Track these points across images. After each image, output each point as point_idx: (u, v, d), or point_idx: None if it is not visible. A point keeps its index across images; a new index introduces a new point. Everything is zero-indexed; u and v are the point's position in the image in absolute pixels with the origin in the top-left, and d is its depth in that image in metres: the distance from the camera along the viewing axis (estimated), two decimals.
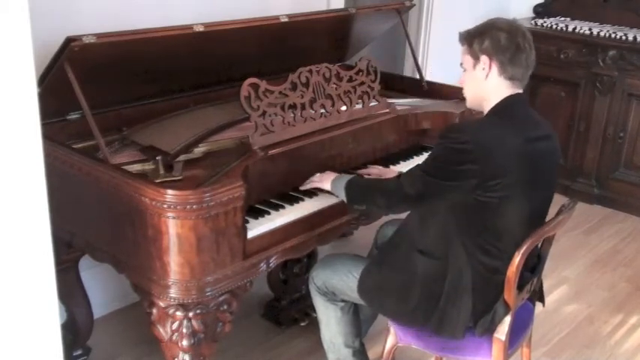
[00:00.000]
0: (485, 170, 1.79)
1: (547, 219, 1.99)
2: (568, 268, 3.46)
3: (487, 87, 1.93)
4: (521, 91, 1.95)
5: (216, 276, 1.81)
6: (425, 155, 2.59)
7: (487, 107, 1.95)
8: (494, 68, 1.90)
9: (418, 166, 1.93)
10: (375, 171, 2.35)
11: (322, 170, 2.23)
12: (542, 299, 2.19)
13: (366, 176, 2.25)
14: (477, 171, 1.79)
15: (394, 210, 2.08)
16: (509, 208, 1.85)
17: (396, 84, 2.98)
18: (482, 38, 1.91)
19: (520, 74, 1.91)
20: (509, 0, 4.72)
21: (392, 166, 2.46)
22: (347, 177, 2.08)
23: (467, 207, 1.86)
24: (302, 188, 2.18)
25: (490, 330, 1.93)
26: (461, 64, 1.99)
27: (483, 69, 1.91)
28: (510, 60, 1.88)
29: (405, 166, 2.49)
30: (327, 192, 2.14)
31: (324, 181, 2.13)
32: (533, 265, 2.05)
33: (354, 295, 2.10)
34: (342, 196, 2.05)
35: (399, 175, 1.99)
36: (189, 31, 2.07)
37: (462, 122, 1.91)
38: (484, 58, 1.91)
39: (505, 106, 1.91)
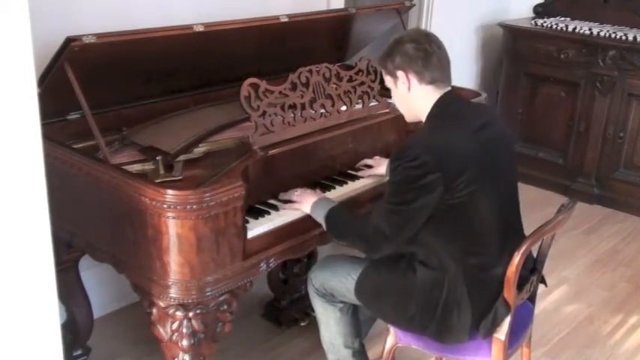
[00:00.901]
0: (446, 174, 1.81)
1: (547, 219, 1.99)
2: (568, 268, 3.46)
3: (414, 98, 1.97)
4: (449, 88, 1.98)
5: (216, 276, 1.81)
6: None
7: (424, 115, 1.98)
8: (413, 79, 1.94)
9: (384, 200, 1.92)
10: (371, 161, 2.37)
11: (321, 170, 2.23)
12: (543, 281, 2.20)
13: (343, 209, 2.09)
14: (439, 178, 1.81)
15: (376, 254, 2.02)
16: (479, 201, 1.87)
17: None
18: (392, 57, 1.96)
19: (439, 75, 1.94)
20: (509, 0, 4.72)
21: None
22: (328, 203, 2.03)
23: (440, 215, 1.87)
24: (280, 207, 2.08)
25: (492, 330, 1.93)
26: (387, 87, 2.04)
27: (403, 83, 1.96)
28: (424, 66, 1.92)
29: None
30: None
31: (304, 202, 2.06)
32: (528, 263, 2.05)
33: (352, 297, 2.10)
34: (323, 226, 2.03)
35: (368, 217, 1.93)
36: (189, 31, 2.07)
37: (408, 139, 1.93)
38: (400, 74, 1.96)
39: (440, 108, 1.94)
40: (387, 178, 1.99)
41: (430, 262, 1.94)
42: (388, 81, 2.02)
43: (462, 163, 1.83)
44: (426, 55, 1.92)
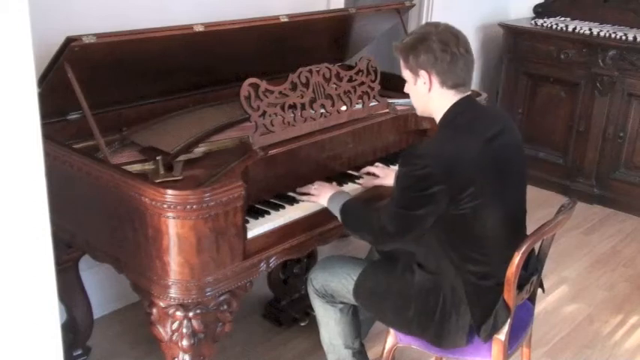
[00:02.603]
0: (452, 187, 1.80)
1: (547, 219, 1.99)
2: (568, 268, 3.46)
3: (432, 99, 1.93)
4: (468, 93, 1.94)
5: (216, 276, 1.81)
6: None
7: (437, 116, 1.95)
8: (435, 81, 1.89)
9: (392, 201, 1.92)
10: (377, 171, 2.33)
11: (321, 170, 2.23)
12: (541, 286, 2.19)
13: (358, 201, 2.15)
14: (444, 190, 1.80)
15: (382, 247, 2.10)
16: (485, 213, 1.85)
17: (396, 84, 2.97)
18: (416, 53, 1.88)
19: (462, 80, 1.90)
20: (509, 0, 4.72)
21: (392, 166, 2.45)
22: (344, 197, 2.06)
23: (444, 223, 1.87)
24: (299, 198, 2.14)
25: (494, 332, 1.92)
26: (403, 76, 1.99)
27: (424, 83, 1.90)
28: (449, 69, 1.87)
29: None
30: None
31: (322, 195, 2.10)
32: (527, 263, 2.05)
33: (352, 298, 2.10)
34: (338, 218, 2.06)
35: (379, 212, 1.94)
36: (189, 31, 2.07)
37: (419, 146, 1.90)
38: (422, 73, 1.90)
39: (454, 116, 1.90)
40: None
41: (428, 265, 1.95)
42: (407, 75, 1.95)
43: (469, 177, 1.81)
44: (453, 59, 1.86)
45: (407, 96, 2.84)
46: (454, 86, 1.89)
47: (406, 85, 2.00)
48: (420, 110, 2.03)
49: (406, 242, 1.98)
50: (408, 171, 1.84)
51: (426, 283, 1.94)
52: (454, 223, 1.86)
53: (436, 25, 1.93)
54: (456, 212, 1.83)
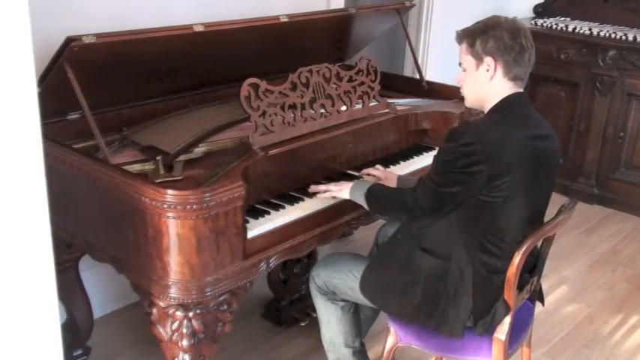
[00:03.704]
0: (492, 170, 1.79)
1: (547, 219, 1.99)
2: (568, 268, 3.46)
3: (491, 88, 1.91)
4: (522, 89, 1.94)
5: (216, 276, 1.81)
6: (425, 155, 2.59)
7: (488, 107, 1.94)
8: (499, 69, 1.88)
9: (429, 176, 1.91)
10: (377, 173, 2.32)
11: (321, 170, 2.23)
12: (541, 299, 2.19)
13: (383, 184, 2.18)
14: (484, 172, 1.79)
15: (417, 225, 2.00)
16: (513, 207, 1.85)
17: (396, 84, 2.98)
18: (485, 38, 1.87)
19: (523, 73, 1.90)
20: (509, 0, 4.72)
21: (392, 167, 2.45)
22: (365, 185, 2.06)
23: (470, 207, 1.86)
24: (319, 195, 2.12)
25: (490, 330, 1.93)
26: (460, 63, 1.96)
27: (487, 70, 1.89)
28: (515, 60, 1.86)
29: (405, 167, 2.49)
30: None
31: (342, 189, 2.09)
32: (533, 266, 2.05)
33: (354, 295, 2.11)
34: (364, 205, 2.05)
35: (414, 187, 1.94)
36: (189, 31, 2.07)
37: (465, 124, 1.87)
38: (488, 60, 1.88)
39: (508, 104, 1.90)
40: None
41: (438, 250, 1.93)
42: (467, 61, 1.92)
43: (508, 165, 1.81)
44: (522, 50, 1.86)
45: (407, 96, 2.88)
46: (514, 78, 1.89)
47: (462, 74, 1.97)
48: (472, 99, 1.99)
49: (425, 223, 1.96)
50: (453, 146, 1.83)
51: (435, 267, 1.93)
52: (482, 210, 1.85)
53: (504, 17, 1.93)
54: (486, 199, 1.82)
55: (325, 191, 2.13)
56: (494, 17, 1.93)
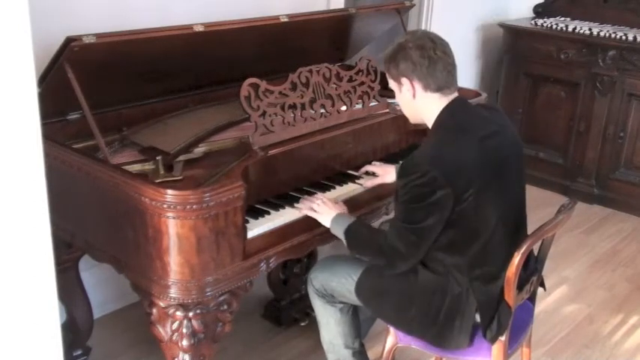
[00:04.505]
0: (455, 189, 1.78)
1: (547, 219, 1.99)
2: (568, 268, 3.46)
3: (419, 105, 1.94)
4: (455, 94, 1.94)
5: (216, 276, 1.81)
6: None
7: (430, 121, 1.95)
8: (418, 87, 1.91)
9: (396, 218, 1.90)
10: (375, 169, 2.33)
11: (321, 170, 2.22)
12: (542, 285, 2.19)
13: (363, 222, 2.09)
14: (449, 194, 1.78)
15: (396, 270, 1.97)
16: (485, 213, 1.85)
17: None
18: (396, 62, 1.92)
19: (444, 82, 1.90)
20: (509, 0, 4.72)
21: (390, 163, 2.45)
22: (346, 220, 2.01)
23: (448, 228, 1.85)
24: (299, 208, 2.07)
25: (499, 334, 1.92)
26: (391, 88, 2.01)
27: (408, 90, 1.93)
28: (429, 74, 1.88)
29: None
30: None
31: (324, 214, 2.04)
32: (526, 262, 2.05)
33: (352, 298, 2.10)
34: (343, 241, 2.02)
35: (385, 234, 1.92)
36: (189, 31, 2.07)
37: (414, 155, 1.87)
38: (404, 81, 1.92)
39: (447, 117, 1.91)
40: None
41: (434, 266, 1.94)
42: (392, 84, 1.99)
43: (469, 175, 1.80)
44: (431, 62, 1.87)
45: None
46: (438, 89, 1.90)
47: (396, 97, 2.02)
48: (412, 119, 2.04)
49: (417, 259, 1.92)
50: (409, 182, 1.81)
51: (431, 283, 1.93)
52: (458, 225, 1.85)
53: (413, 32, 1.98)
54: (458, 215, 1.82)
55: (308, 208, 2.06)
56: (404, 36, 1.96)
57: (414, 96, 1.93)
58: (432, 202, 1.79)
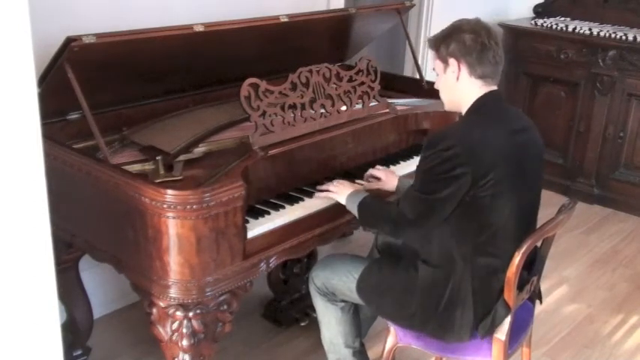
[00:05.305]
0: (476, 170, 1.80)
1: (547, 219, 1.99)
2: (568, 268, 3.46)
3: (460, 88, 1.95)
4: (495, 87, 1.96)
5: (216, 276, 1.81)
6: None
7: (464, 108, 1.97)
8: (464, 69, 1.92)
9: (412, 187, 1.93)
10: (379, 173, 2.30)
11: (321, 170, 2.22)
12: (539, 297, 2.20)
13: (377, 198, 2.14)
14: (468, 173, 1.80)
15: (401, 236, 2.05)
16: (501, 203, 1.86)
17: (396, 84, 2.98)
18: (447, 42, 1.93)
19: (490, 71, 1.93)
20: (509, 0, 4.72)
21: (392, 167, 2.45)
22: (361, 195, 2.06)
23: (460, 211, 1.86)
24: (318, 195, 2.15)
25: (491, 331, 1.93)
26: (433, 68, 2.02)
27: (453, 72, 1.94)
28: (478, 59, 1.90)
29: (405, 167, 2.49)
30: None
31: (340, 193, 2.11)
32: (530, 263, 2.05)
33: (353, 296, 2.11)
34: (356, 215, 2.06)
35: (398, 200, 1.96)
36: (189, 31, 2.07)
37: (443, 129, 1.91)
38: (452, 61, 1.93)
39: (482, 104, 1.93)
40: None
41: (432, 259, 1.94)
42: (437, 65, 1.99)
43: (492, 161, 1.82)
44: (483, 48, 1.90)
45: (407, 96, 2.88)
46: (482, 76, 1.92)
47: (437, 79, 2.02)
48: (448, 102, 2.04)
49: (417, 235, 1.96)
50: (433, 153, 1.84)
51: (431, 277, 1.93)
52: (471, 212, 1.85)
53: (468, 19, 1.99)
54: (474, 199, 1.83)
55: (325, 191, 2.13)
56: (457, 21, 1.98)
57: (457, 78, 1.94)
58: (450, 177, 1.81)
